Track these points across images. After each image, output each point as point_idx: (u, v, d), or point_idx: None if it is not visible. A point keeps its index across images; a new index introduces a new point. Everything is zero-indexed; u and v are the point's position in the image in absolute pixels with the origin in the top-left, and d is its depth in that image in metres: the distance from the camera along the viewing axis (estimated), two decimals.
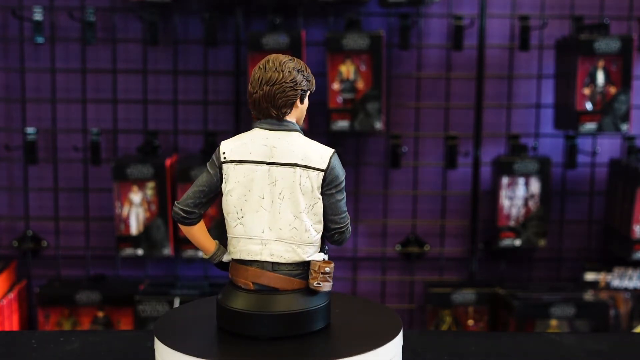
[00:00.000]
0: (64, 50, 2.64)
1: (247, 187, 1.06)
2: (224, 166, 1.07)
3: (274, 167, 1.05)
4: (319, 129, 2.62)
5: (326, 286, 1.07)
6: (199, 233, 1.10)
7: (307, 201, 1.05)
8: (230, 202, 1.06)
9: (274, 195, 1.05)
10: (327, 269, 1.06)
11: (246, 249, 1.06)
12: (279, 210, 1.05)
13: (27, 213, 2.68)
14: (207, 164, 1.08)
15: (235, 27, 2.58)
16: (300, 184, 1.05)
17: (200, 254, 1.14)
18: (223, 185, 1.07)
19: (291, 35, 2.45)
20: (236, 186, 1.06)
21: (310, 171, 1.05)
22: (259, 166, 1.05)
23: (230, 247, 1.08)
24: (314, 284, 1.06)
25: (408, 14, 2.59)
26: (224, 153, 1.07)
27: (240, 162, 1.06)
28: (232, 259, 1.08)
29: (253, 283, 1.06)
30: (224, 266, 1.12)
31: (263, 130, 1.07)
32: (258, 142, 1.06)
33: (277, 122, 1.07)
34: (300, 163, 1.05)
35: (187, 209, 1.08)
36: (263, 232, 1.05)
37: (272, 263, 1.06)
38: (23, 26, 2.60)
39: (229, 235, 1.08)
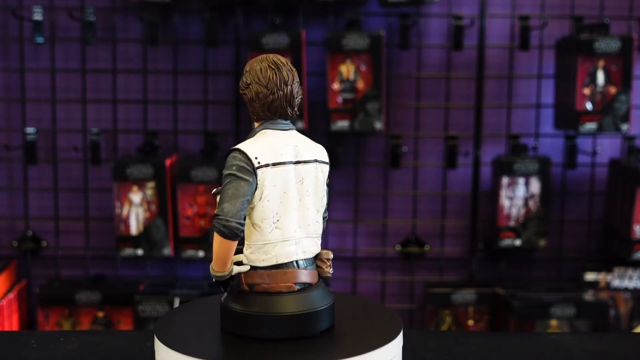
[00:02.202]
0: (64, 50, 2.64)
1: (283, 189, 1.05)
2: (259, 171, 1.03)
3: (299, 165, 1.06)
4: (319, 129, 2.62)
5: None
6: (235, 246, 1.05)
7: (322, 194, 1.09)
8: (268, 207, 1.04)
9: (302, 193, 1.06)
10: (332, 256, 1.11)
11: (284, 252, 1.05)
12: (307, 207, 1.07)
13: (27, 213, 2.68)
14: (236, 172, 1.02)
15: (235, 27, 2.58)
16: (319, 179, 1.08)
17: (211, 268, 1.07)
18: (257, 192, 1.03)
19: (291, 35, 2.45)
20: (273, 190, 1.04)
21: (324, 165, 1.09)
22: (289, 166, 1.05)
23: (259, 255, 1.05)
24: (329, 272, 1.10)
25: (408, 14, 2.59)
26: (256, 158, 1.03)
27: (274, 164, 1.04)
28: (260, 266, 1.05)
29: (295, 284, 1.06)
30: (226, 282, 1.08)
31: (278, 130, 1.07)
32: (283, 142, 1.06)
33: (286, 121, 1.08)
34: (318, 159, 1.09)
35: (242, 221, 1.02)
36: (295, 232, 1.06)
37: (304, 260, 1.07)
38: (23, 26, 2.60)
39: (259, 242, 1.04)
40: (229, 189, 1.02)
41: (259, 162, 1.03)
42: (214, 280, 1.08)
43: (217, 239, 1.03)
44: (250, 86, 1.07)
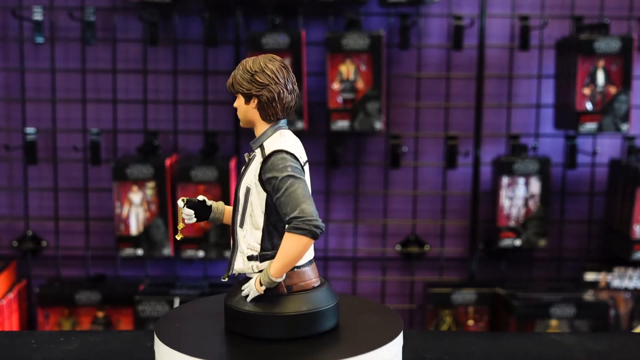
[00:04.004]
0: (64, 50, 2.64)
1: (309, 186, 1.06)
2: (304, 169, 1.05)
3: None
4: (319, 129, 2.62)
5: None
6: None
7: None
8: None
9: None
10: None
11: (312, 248, 1.07)
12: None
13: (27, 213, 2.68)
14: (293, 173, 1.00)
15: (235, 27, 2.58)
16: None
17: (269, 276, 1.03)
18: None
19: (291, 35, 2.45)
20: (309, 188, 1.05)
21: None
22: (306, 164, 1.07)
23: None
24: None
25: (408, 14, 2.59)
26: (300, 157, 1.03)
27: (306, 162, 1.06)
28: (295, 265, 1.04)
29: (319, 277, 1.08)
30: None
31: (288, 130, 1.08)
32: (298, 141, 1.07)
33: (288, 121, 1.09)
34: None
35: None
36: None
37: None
38: (23, 26, 2.60)
39: None
40: (296, 190, 0.99)
41: (302, 162, 1.03)
42: (263, 288, 1.03)
43: (301, 241, 0.98)
44: (269, 87, 1.03)
